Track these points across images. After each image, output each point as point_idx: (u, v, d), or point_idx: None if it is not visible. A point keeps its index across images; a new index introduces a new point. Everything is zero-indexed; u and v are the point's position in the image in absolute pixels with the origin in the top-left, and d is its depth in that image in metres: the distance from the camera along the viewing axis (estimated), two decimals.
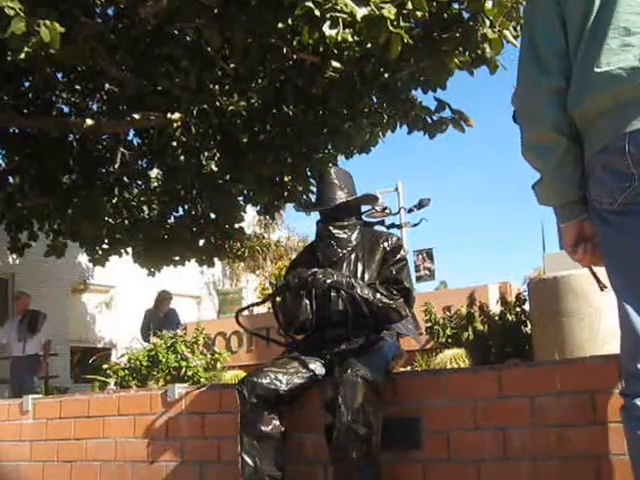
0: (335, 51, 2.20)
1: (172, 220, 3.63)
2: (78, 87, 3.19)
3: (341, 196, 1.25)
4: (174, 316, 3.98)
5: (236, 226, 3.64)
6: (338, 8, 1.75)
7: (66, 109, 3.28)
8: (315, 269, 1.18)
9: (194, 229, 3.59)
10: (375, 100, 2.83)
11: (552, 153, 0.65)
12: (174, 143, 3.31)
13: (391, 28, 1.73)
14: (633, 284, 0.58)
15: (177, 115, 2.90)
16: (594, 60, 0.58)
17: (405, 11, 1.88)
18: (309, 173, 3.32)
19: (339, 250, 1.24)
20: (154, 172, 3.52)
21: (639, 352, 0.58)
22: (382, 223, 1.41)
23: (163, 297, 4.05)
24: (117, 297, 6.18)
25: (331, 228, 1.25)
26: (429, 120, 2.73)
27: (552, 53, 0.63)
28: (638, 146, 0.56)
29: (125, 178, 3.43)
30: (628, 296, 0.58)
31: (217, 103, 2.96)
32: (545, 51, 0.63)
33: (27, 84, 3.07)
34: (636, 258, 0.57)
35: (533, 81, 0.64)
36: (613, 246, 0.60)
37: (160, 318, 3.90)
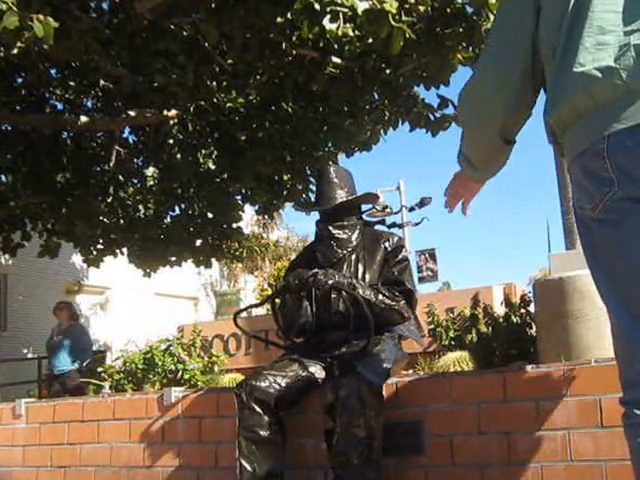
0: (335, 46, 2.17)
1: (168, 220, 3.58)
2: (72, 83, 3.14)
3: (341, 195, 1.23)
4: (75, 333, 3.05)
5: (234, 226, 3.60)
6: (339, 2, 1.73)
7: (60, 106, 3.23)
8: (316, 270, 1.16)
9: (191, 229, 3.54)
10: (376, 97, 2.80)
11: (486, 148, 0.68)
12: (170, 141, 3.28)
13: (393, 23, 1.71)
14: (621, 291, 0.57)
15: (174, 112, 2.87)
16: (571, 61, 0.57)
17: (407, 5, 1.86)
18: (309, 172, 3.30)
19: (339, 250, 1.22)
20: (150, 170, 3.47)
21: (633, 359, 0.57)
22: (383, 222, 1.39)
23: (56, 308, 3.15)
24: (112, 298, 6.15)
25: (331, 228, 1.24)
26: (431, 117, 2.70)
27: (517, 69, 0.63)
28: (617, 149, 0.54)
29: (120, 177, 3.38)
30: (617, 304, 0.58)
31: (215, 100, 2.92)
32: (510, 63, 0.63)
33: (20, 80, 3.03)
34: (623, 266, 0.56)
35: (494, 82, 0.64)
36: (598, 253, 0.59)
37: (59, 334, 3.04)
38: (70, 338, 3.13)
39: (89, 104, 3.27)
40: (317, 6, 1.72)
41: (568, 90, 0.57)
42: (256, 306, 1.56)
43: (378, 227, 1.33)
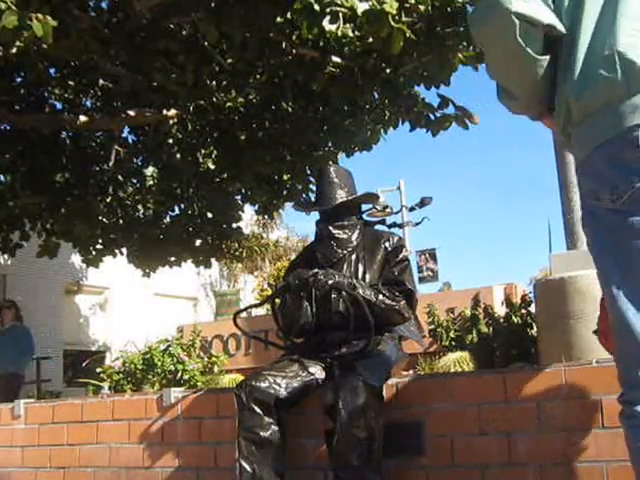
0: (335, 46, 2.16)
1: (168, 219, 3.56)
2: (71, 83, 3.11)
3: (341, 195, 1.23)
4: (16, 335, 2.87)
5: (234, 226, 3.58)
6: (338, 2, 1.72)
7: (59, 105, 3.21)
8: (316, 270, 1.16)
9: (190, 229, 3.52)
10: (377, 96, 2.79)
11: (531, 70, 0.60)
12: (170, 140, 3.25)
13: (393, 23, 1.70)
14: (637, 283, 0.55)
15: (173, 111, 2.85)
16: (604, 43, 0.55)
17: (407, 5, 1.85)
18: (309, 171, 3.27)
19: (339, 251, 1.22)
20: (149, 170, 3.44)
21: None
22: (383, 222, 1.39)
23: (2, 306, 2.98)
24: (111, 299, 6.10)
25: (331, 228, 1.23)
26: (432, 117, 2.67)
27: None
28: None
29: (120, 176, 3.36)
30: (630, 298, 0.55)
31: (214, 99, 2.90)
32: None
33: (19, 79, 3.01)
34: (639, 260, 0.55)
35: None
36: (611, 247, 0.57)
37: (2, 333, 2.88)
38: (10, 339, 2.93)
39: (88, 103, 3.24)
40: (317, 7, 1.71)
41: (602, 75, 0.55)
42: (256, 306, 1.56)
43: (378, 227, 1.33)
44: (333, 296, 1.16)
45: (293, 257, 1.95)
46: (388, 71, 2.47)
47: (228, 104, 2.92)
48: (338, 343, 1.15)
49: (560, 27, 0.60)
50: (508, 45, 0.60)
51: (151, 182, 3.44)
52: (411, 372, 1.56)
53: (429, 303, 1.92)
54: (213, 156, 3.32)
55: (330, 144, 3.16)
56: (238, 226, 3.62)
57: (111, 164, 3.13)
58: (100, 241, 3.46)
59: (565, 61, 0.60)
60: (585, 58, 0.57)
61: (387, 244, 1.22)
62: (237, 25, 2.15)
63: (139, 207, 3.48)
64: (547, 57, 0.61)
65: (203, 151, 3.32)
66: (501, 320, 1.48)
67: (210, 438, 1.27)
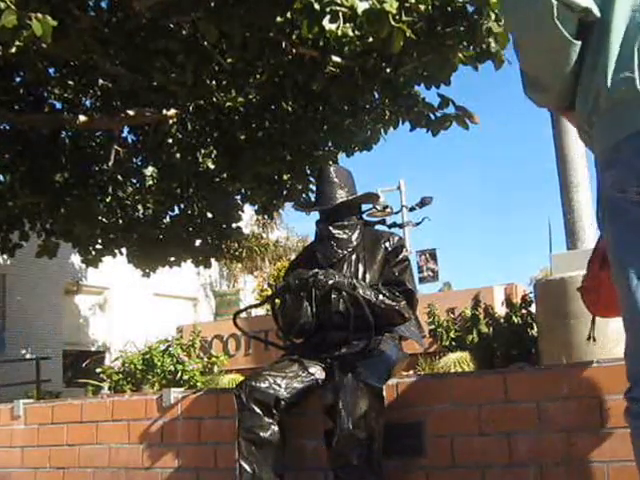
0: (335, 46, 2.15)
1: (167, 219, 3.56)
2: (71, 82, 3.11)
3: (341, 195, 1.23)
4: None
5: (233, 226, 3.58)
6: (338, 2, 1.72)
7: (58, 105, 3.20)
8: (316, 270, 1.15)
9: (190, 229, 3.53)
10: (377, 96, 2.79)
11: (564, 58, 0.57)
12: (170, 140, 3.25)
13: (393, 23, 1.69)
14: None
15: (173, 111, 2.85)
16: (639, 32, 0.52)
17: (407, 4, 1.85)
18: (309, 171, 3.28)
19: (339, 251, 1.21)
20: (149, 170, 3.44)
21: None
22: (383, 222, 1.39)
23: None
24: (111, 299, 6.11)
25: (331, 228, 1.23)
26: (432, 117, 2.67)
27: None
28: None
29: (119, 176, 3.36)
30: None
31: (214, 99, 2.90)
32: None
33: (18, 79, 3.00)
34: None
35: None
36: (634, 240, 0.54)
37: None
38: None
39: (88, 103, 3.24)
40: (317, 6, 1.71)
41: (634, 61, 0.52)
42: (256, 306, 1.56)
43: (378, 227, 1.33)
44: (333, 296, 1.16)
45: (293, 257, 1.96)
46: (388, 71, 2.47)
47: (228, 104, 2.92)
48: (338, 343, 1.15)
49: (596, 12, 0.57)
50: (544, 27, 0.56)
51: (151, 182, 3.43)
52: (411, 372, 1.55)
53: (429, 303, 1.92)
54: (213, 156, 3.31)
55: (330, 144, 3.15)
56: (238, 226, 3.62)
57: (111, 164, 3.12)
58: (100, 241, 3.46)
59: (595, 47, 0.57)
60: (619, 44, 0.54)
61: (387, 244, 1.22)
62: (237, 25, 2.15)
63: (139, 207, 3.48)
64: (580, 43, 0.58)
65: (203, 151, 3.32)
66: (501, 320, 1.48)
67: (210, 438, 1.27)
